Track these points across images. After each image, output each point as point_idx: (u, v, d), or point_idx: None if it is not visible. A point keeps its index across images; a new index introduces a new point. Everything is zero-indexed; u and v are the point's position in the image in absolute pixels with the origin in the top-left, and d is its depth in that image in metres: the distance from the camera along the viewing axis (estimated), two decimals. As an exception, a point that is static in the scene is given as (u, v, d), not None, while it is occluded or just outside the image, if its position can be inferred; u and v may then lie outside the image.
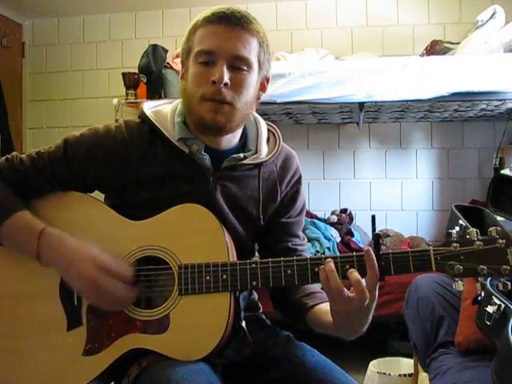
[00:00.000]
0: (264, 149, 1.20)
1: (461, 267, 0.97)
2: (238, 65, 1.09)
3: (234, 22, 1.08)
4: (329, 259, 1.00)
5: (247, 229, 1.19)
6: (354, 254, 1.01)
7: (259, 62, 1.13)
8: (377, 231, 1.02)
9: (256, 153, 1.19)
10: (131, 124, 1.17)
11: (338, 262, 1.00)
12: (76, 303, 1.08)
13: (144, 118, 1.16)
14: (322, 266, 1.00)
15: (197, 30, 1.11)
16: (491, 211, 1.63)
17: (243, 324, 1.09)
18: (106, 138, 1.14)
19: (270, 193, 1.21)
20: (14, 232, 1.08)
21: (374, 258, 0.98)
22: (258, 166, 1.19)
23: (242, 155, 1.16)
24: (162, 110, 1.19)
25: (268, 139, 1.23)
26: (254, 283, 1.03)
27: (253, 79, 1.12)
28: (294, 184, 1.25)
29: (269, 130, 1.25)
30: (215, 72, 1.07)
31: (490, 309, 1.28)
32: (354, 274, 0.98)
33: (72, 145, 1.14)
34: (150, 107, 1.20)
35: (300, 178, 1.27)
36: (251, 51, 1.10)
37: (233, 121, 1.11)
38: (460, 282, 0.99)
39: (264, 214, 1.20)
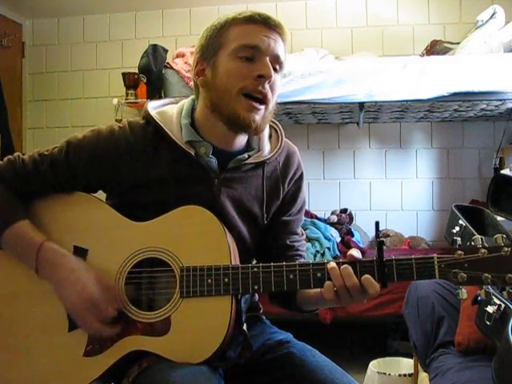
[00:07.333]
0: (266, 146, 1.19)
1: (465, 275, 0.95)
2: (275, 65, 1.09)
3: (275, 25, 1.08)
4: (345, 265, 1.00)
5: (251, 230, 1.19)
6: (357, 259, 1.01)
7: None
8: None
9: (259, 151, 1.18)
10: (135, 125, 1.15)
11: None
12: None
13: (149, 119, 1.15)
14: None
15: (231, 27, 1.08)
16: (491, 211, 1.63)
17: (244, 327, 1.09)
18: (110, 141, 1.12)
19: (273, 191, 1.20)
20: (14, 243, 1.08)
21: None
22: (262, 164, 1.18)
23: (246, 155, 1.15)
24: (168, 111, 1.17)
25: (270, 136, 1.22)
26: (256, 287, 1.03)
27: (280, 82, 1.13)
28: (296, 181, 1.24)
29: (271, 127, 1.24)
30: (261, 67, 1.06)
31: (490, 309, 1.28)
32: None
33: (74, 148, 1.13)
34: (154, 107, 1.18)
35: (302, 174, 1.26)
36: (284, 56, 1.11)
37: (264, 122, 1.11)
38: (464, 290, 0.97)
39: (267, 212, 1.20)
